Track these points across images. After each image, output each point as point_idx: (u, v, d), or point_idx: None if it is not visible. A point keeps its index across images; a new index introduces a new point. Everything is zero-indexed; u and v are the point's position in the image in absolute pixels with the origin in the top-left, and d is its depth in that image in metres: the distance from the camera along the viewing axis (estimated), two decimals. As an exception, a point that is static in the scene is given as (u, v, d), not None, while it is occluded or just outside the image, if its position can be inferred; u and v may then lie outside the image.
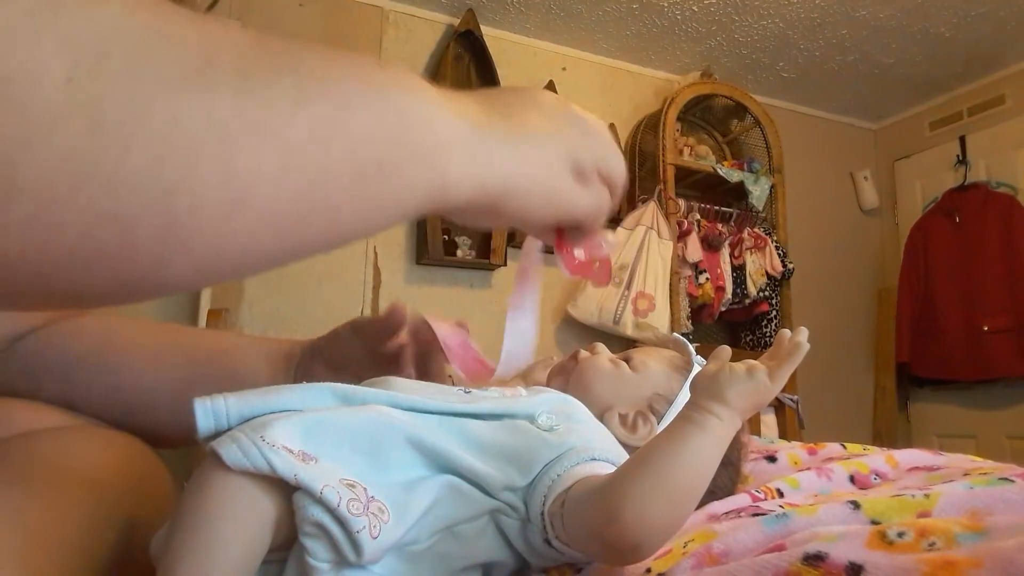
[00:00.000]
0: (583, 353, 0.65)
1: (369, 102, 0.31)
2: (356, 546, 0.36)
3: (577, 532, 0.41)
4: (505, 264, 2.59)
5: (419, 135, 0.33)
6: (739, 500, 0.57)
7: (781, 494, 0.60)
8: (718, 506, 0.54)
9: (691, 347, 0.66)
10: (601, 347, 0.67)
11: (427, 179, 0.34)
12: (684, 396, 0.61)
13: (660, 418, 0.60)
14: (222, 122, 0.25)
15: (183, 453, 1.25)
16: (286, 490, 0.37)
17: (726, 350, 0.46)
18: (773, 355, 0.45)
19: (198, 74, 0.25)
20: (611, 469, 0.45)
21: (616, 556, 0.41)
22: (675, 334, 0.70)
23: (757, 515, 0.47)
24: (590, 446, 0.47)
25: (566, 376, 0.64)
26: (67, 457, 0.48)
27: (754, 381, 0.42)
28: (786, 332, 0.46)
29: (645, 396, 0.62)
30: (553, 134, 0.42)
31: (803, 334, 0.45)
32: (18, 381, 0.59)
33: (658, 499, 0.38)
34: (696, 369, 0.64)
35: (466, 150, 0.36)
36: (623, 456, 0.48)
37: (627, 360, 0.65)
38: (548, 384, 0.64)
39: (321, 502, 0.36)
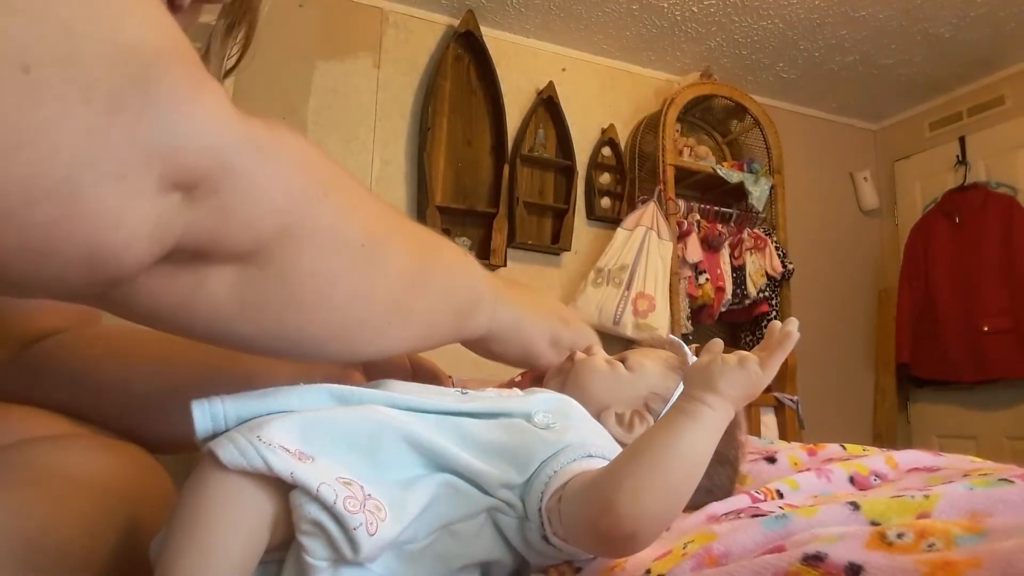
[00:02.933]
0: (579, 354, 0.66)
1: (452, 271, 0.53)
2: (353, 543, 0.36)
3: (573, 526, 0.41)
4: (505, 264, 2.59)
5: (475, 292, 0.56)
6: (739, 501, 0.57)
7: (781, 495, 0.60)
8: (718, 507, 0.54)
9: (687, 347, 0.67)
10: (597, 348, 0.67)
11: (472, 321, 0.56)
12: (680, 393, 0.61)
13: (656, 417, 0.60)
14: (407, 276, 0.48)
15: (185, 459, 1.25)
16: (284, 489, 0.37)
17: (718, 343, 0.47)
18: (764, 346, 0.45)
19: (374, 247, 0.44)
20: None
21: (611, 548, 0.41)
22: (671, 335, 0.71)
23: (757, 516, 0.47)
24: (587, 443, 0.47)
25: (563, 377, 0.64)
26: (68, 462, 0.48)
27: (745, 370, 0.43)
28: (777, 323, 0.46)
29: (641, 395, 0.62)
30: (546, 315, 0.65)
31: (793, 324, 0.45)
32: (27, 387, 0.59)
33: (652, 489, 0.39)
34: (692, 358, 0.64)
35: (488, 306, 0.57)
36: (617, 453, 0.48)
37: (623, 360, 0.65)
38: (545, 385, 0.64)
39: (318, 500, 0.36)
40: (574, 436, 0.47)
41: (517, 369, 0.70)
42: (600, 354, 0.66)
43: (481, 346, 0.59)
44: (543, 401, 0.51)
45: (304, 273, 0.38)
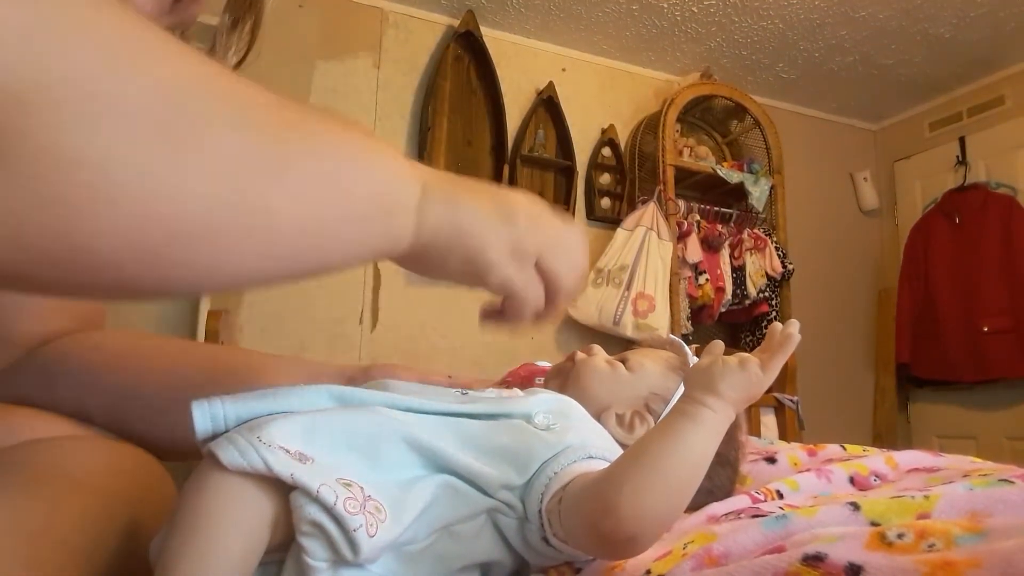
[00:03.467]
0: (580, 355, 0.66)
1: (343, 155, 0.37)
2: (353, 545, 0.36)
3: (574, 527, 0.41)
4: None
5: (389, 184, 0.40)
6: (739, 502, 0.57)
7: (781, 495, 0.60)
8: (718, 507, 0.54)
9: (687, 348, 0.67)
10: (598, 348, 0.67)
11: (389, 226, 0.40)
12: (680, 395, 0.62)
13: (657, 417, 0.60)
14: (249, 160, 0.31)
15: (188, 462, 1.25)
16: (284, 490, 0.37)
17: (719, 344, 0.47)
18: (765, 347, 0.45)
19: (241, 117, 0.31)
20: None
21: (612, 550, 0.41)
22: (671, 335, 0.71)
23: (757, 517, 0.47)
24: (587, 444, 0.47)
25: (563, 377, 0.64)
26: (70, 464, 0.48)
27: (746, 372, 0.43)
28: (777, 325, 0.46)
29: (642, 396, 0.62)
30: (503, 218, 0.46)
31: (794, 326, 0.45)
32: (34, 388, 0.59)
33: (653, 491, 0.39)
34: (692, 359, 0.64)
35: (413, 204, 0.41)
36: (618, 454, 0.48)
37: (623, 361, 0.65)
38: (545, 385, 0.64)
39: (318, 501, 0.36)
40: (574, 437, 0.47)
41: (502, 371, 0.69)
42: (600, 354, 0.66)
43: (412, 262, 0.43)
44: (543, 402, 0.51)
45: (65, 157, 0.25)
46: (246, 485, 0.37)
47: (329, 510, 0.36)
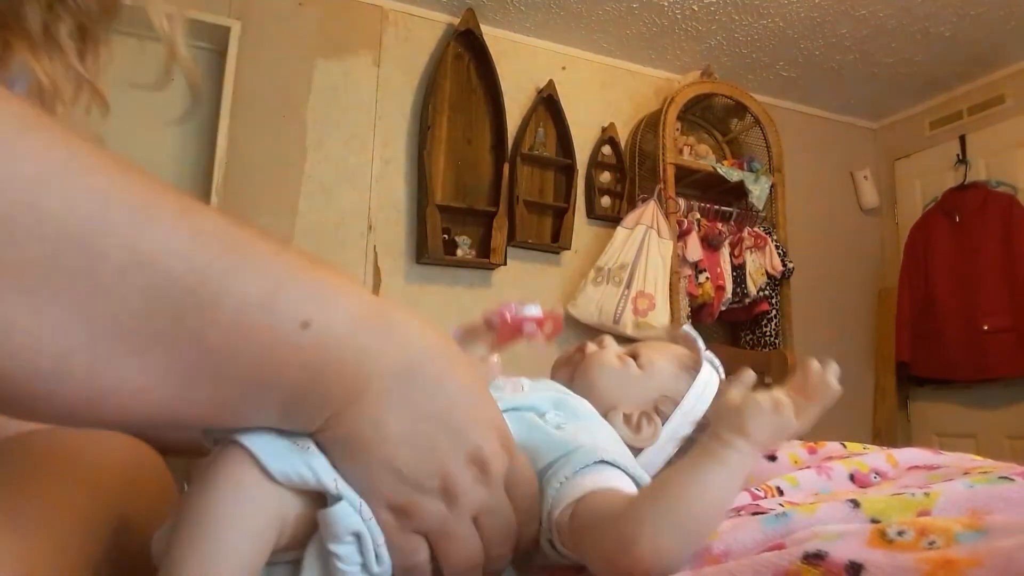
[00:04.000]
0: (591, 347, 0.63)
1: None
2: (379, 557, 0.36)
3: (587, 553, 0.40)
4: (505, 263, 2.59)
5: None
6: (739, 498, 0.57)
7: (781, 492, 0.60)
8: (718, 504, 0.54)
9: (700, 342, 0.65)
10: (609, 340, 0.65)
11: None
12: (691, 399, 0.60)
13: (665, 419, 0.59)
14: None
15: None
16: (296, 491, 0.36)
17: (750, 375, 0.45)
18: (799, 388, 0.43)
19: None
20: (619, 475, 0.44)
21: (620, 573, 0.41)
22: (684, 327, 0.69)
23: (757, 513, 0.47)
24: (598, 447, 0.46)
25: (572, 369, 0.62)
26: (62, 456, 0.48)
27: (780, 417, 0.41)
28: (815, 365, 0.44)
29: (651, 397, 0.60)
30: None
31: (833, 371, 0.43)
32: None
33: (674, 533, 0.38)
34: (705, 368, 0.62)
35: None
36: (629, 457, 0.47)
37: (635, 356, 0.63)
38: (553, 375, 0.63)
39: (360, 513, 0.35)
40: (586, 437, 0.47)
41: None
42: (612, 348, 0.64)
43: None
44: (550, 399, 0.51)
45: None
46: (263, 484, 0.36)
47: (367, 522, 0.35)
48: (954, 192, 3.08)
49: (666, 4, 2.61)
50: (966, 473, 0.58)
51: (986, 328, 2.84)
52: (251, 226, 0.32)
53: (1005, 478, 0.49)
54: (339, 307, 0.34)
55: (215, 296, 0.29)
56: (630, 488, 0.44)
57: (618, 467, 0.45)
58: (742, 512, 0.50)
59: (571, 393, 0.54)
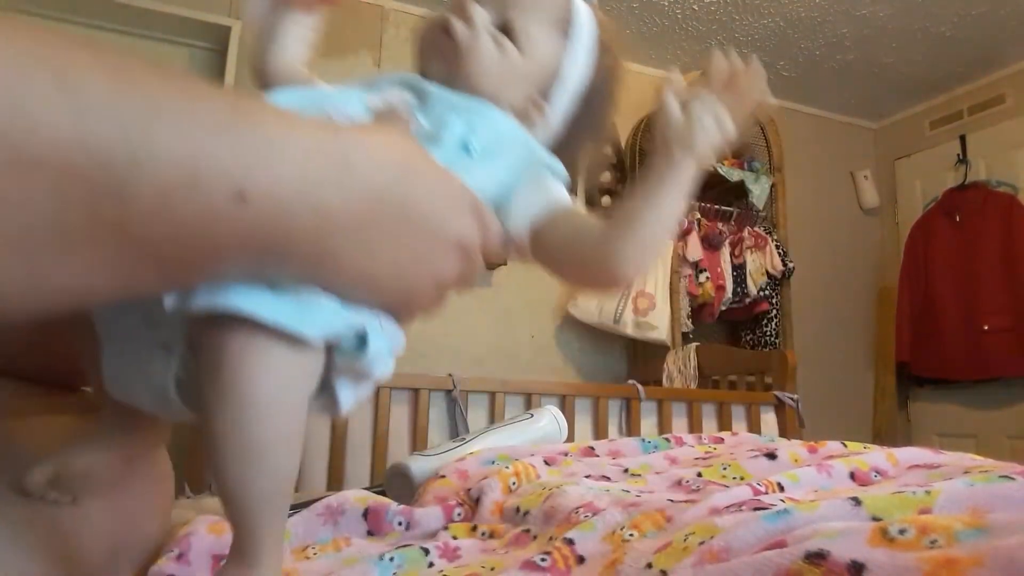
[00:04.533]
0: (459, 27, 0.54)
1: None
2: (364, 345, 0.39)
3: (562, 266, 0.50)
4: (505, 263, 2.59)
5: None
6: (741, 493, 0.57)
7: (782, 488, 0.60)
8: (720, 499, 0.54)
9: None
10: (475, 10, 0.55)
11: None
12: (570, 64, 0.57)
13: (549, 100, 0.57)
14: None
15: (181, 450, 1.25)
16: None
17: (679, 80, 0.50)
18: (728, 87, 0.48)
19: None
20: (556, 184, 0.51)
21: (593, 286, 0.53)
22: None
23: (758, 509, 0.47)
24: (534, 158, 0.52)
25: (447, 64, 0.55)
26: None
27: (723, 127, 0.47)
28: (725, 60, 0.49)
29: (535, 82, 0.56)
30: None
31: (748, 62, 0.48)
32: None
33: (646, 252, 0.47)
34: (576, 27, 0.58)
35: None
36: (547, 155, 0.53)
37: (508, 31, 0.55)
38: (424, 68, 0.57)
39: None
40: (509, 157, 0.50)
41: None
42: (483, 25, 0.55)
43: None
44: (464, 124, 0.49)
45: None
46: (302, 350, 0.35)
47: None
48: (954, 192, 3.07)
49: (666, 4, 2.60)
50: (966, 472, 0.58)
51: (986, 328, 2.84)
52: (153, 65, 0.28)
53: (1006, 477, 0.49)
54: (279, 164, 0.29)
55: (125, 184, 0.25)
56: (564, 193, 0.51)
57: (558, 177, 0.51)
58: (744, 507, 0.50)
59: (469, 106, 0.51)
